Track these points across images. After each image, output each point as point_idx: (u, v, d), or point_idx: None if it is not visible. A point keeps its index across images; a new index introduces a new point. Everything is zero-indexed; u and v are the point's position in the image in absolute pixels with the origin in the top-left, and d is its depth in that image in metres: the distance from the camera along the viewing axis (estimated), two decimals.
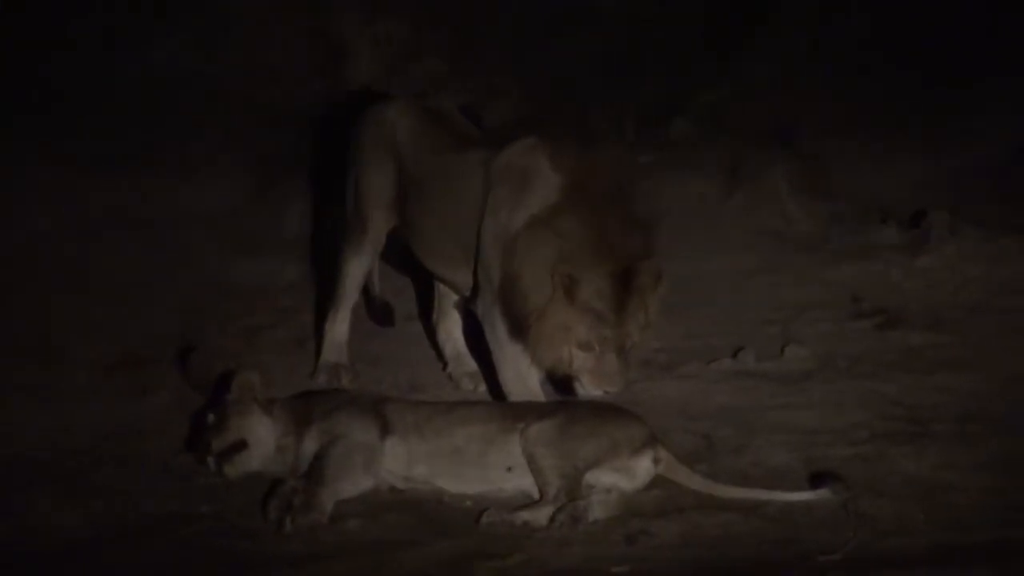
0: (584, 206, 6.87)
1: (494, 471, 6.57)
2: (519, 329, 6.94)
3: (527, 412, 6.69)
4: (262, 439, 6.75)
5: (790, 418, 7.23)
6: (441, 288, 7.92)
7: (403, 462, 6.65)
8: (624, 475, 6.52)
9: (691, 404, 7.46)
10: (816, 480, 6.46)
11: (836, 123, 10.54)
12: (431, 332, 8.14)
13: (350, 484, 6.58)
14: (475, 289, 7.26)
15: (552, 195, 6.95)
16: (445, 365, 8.03)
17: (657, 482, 6.54)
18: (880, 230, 9.45)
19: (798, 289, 8.89)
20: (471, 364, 7.91)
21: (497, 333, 7.12)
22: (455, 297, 7.80)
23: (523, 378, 7.12)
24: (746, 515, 6.29)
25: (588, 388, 6.79)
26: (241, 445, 6.71)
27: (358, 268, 7.91)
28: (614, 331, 6.72)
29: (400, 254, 7.98)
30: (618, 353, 6.74)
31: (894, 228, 9.43)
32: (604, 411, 6.66)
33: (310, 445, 6.70)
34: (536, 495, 6.46)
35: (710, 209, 10.03)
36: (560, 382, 7.01)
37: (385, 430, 6.67)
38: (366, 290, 8.16)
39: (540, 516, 6.32)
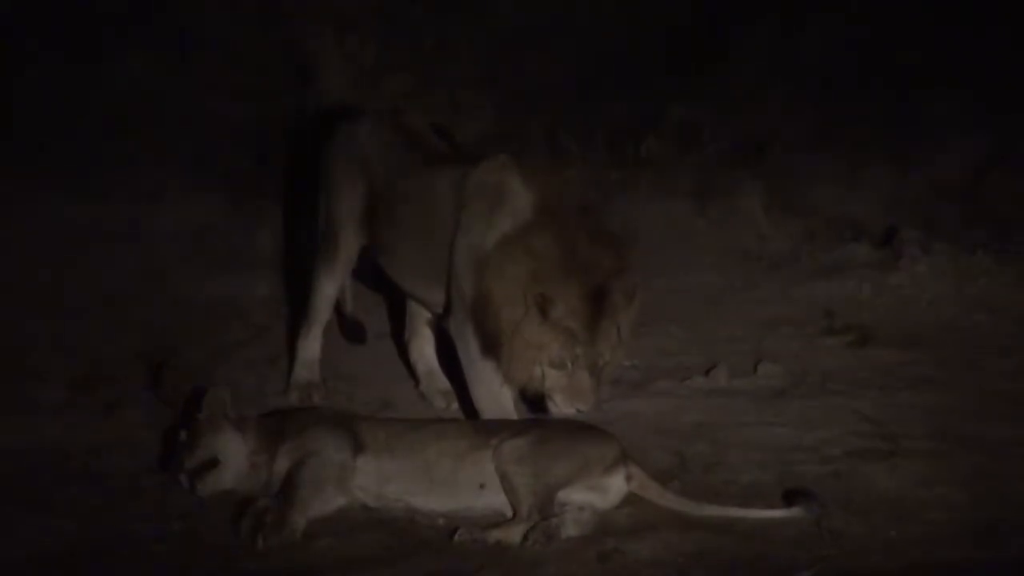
0: (556, 224, 6.90)
1: (467, 489, 6.58)
2: (491, 347, 6.95)
3: (500, 430, 6.70)
4: (234, 457, 6.74)
5: (763, 435, 7.27)
6: (413, 306, 7.93)
7: (375, 480, 6.65)
8: (597, 493, 6.53)
9: (664, 421, 7.47)
10: (789, 497, 6.49)
11: (807, 140, 10.60)
12: (403, 350, 8.14)
13: (322, 502, 6.59)
14: (447, 307, 7.27)
15: (524, 213, 6.98)
16: (417, 383, 8.03)
17: (630, 500, 6.56)
18: (852, 248, 9.51)
19: (771, 306, 8.93)
20: (443, 382, 7.92)
21: (470, 351, 7.13)
22: (427, 315, 7.80)
23: (495, 396, 7.13)
24: (719, 533, 6.31)
25: (561, 406, 6.81)
26: (213, 463, 6.70)
27: (330, 286, 7.92)
28: (586, 349, 6.75)
29: (372, 272, 7.97)
30: (591, 371, 6.77)
31: (866, 245, 9.49)
32: (576, 429, 6.68)
33: (282, 463, 6.70)
34: (509, 513, 6.47)
35: (682, 227, 10.07)
36: (532, 400, 7.03)
37: (357, 448, 6.68)
38: (338, 308, 8.16)
39: (513, 534, 6.33)
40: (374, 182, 7.64)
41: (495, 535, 6.34)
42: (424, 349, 7.99)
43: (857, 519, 6.39)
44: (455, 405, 7.75)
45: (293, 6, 10.70)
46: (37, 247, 9.42)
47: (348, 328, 8.28)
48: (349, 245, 7.81)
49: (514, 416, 7.11)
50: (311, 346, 7.96)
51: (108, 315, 8.84)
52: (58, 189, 9.77)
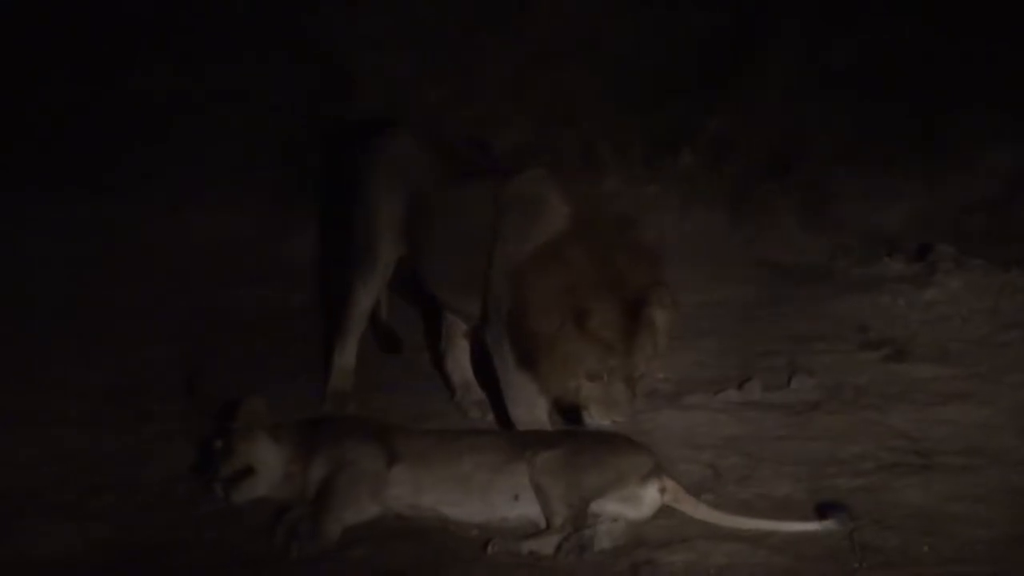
0: (592, 236, 6.95)
1: (500, 500, 6.61)
2: (527, 358, 7.00)
3: (534, 441, 6.74)
4: (269, 465, 6.81)
5: (796, 448, 7.29)
6: (449, 317, 7.98)
7: (409, 490, 6.70)
8: (630, 504, 6.57)
9: (697, 434, 7.49)
10: (821, 511, 6.51)
11: (841, 153, 10.59)
12: (439, 361, 8.18)
13: (356, 512, 6.64)
14: (484, 318, 7.32)
15: (560, 224, 7.04)
16: (453, 394, 8.07)
17: (663, 512, 6.59)
18: (886, 262, 9.50)
19: (804, 320, 8.93)
20: (479, 393, 7.96)
21: (506, 362, 7.18)
22: (463, 326, 7.85)
23: (531, 407, 7.18)
24: (751, 545, 6.33)
25: (596, 417, 6.86)
26: (248, 471, 6.76)
27: (366, 297, 7.98)
28: (623, 361, 6.80)
29: (408, 282, 8.01)
30: (626, 383, 6.81)
31: (900, 261, 9.47)
32: (611, 441, 6.72)
33: (317, 472, 6.76)
34: (543, 524, 6.50)
35: (716, 240, 10.09)
36: (568, 411, 7.07)
37: (392, 458, 6.73)
38: (374, 318, 8.22)
39: (546, 545, 6.37)
40: (412, 193, 7.70)
41: (529, 546, 6.38)
42: (459, 360, 8.03)
43: (890, 533, 6.38)
44: (490, 416, 7.79)
45: (331, 18, 10.74)
46: (68, 255, 9.50)
47: (383, 338, 8.34)
48: (386, 255, 7.87)
49: (548, 427, 7.15)
50: (346, 356, 8.02)
51: (140, 325, 8.90)
52: (90, 197, 9.84)
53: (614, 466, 6.57)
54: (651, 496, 6.58)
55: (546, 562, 6.30)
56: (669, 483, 6.60)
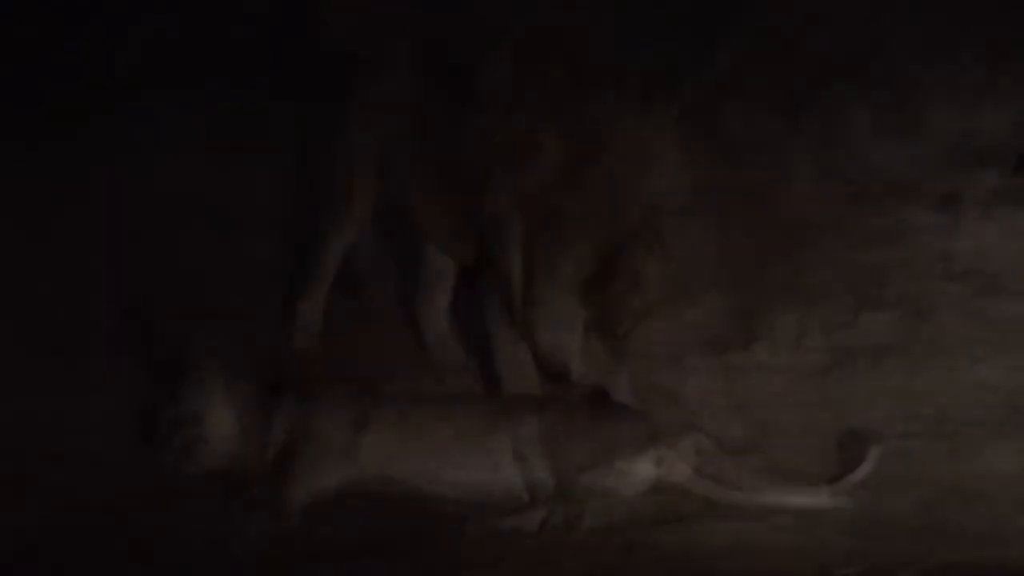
0: (581, 171, 6.95)
1: (480, 471, 6.62)
2: (515, 312, 7.00)
3: (517, 406, 6.76)
4: (225, 429, 6.72)
5: (863, 400, 7.31)
6: (428, 268, 7.87)
7: (381, 459, 6.67)
8: (623, 478, 6.55)
9: (702, 400, 7.48)
10: (836, 484, 6.50)
11: (922, 48, 9.97)
12: (414, 316, 8.08)
13: (322, 484, 6.62)
14: (471, 269, 7.34)
15: (553, 158, 7.04)
16: (429, 352, 8.01)
17: (659, 486, 6.57)
18: (977, 174, 8.98)
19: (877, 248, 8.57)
20: (457, 351, 7.92)
21: (491, 316, 7.19)
22: (442, 279, 7.77)
23: (518, 367, 7.18)
24: (758, 523, 6.35)
25: (582, 378, 6.79)
26: (201, 435, 6.69)
27: (337, 243, 7.86)
28: (596, 313, 6.77)
29: (386, 228, 7.92)
30: (615, 340, 6.76)
31: (994, 174, 8.90)
32: (603, 407, 6.73)
33: (279, 438, 6.72)
34: (526, 499, 6.52)
35: (778, 142, 9.65)
36: (555, 372, 7.01)
37: (362, 423, 6.72)
38: (344, 264, 8.09)
39: (530, 522, 6.39)
40: (395, 127, 7.66)
41: (511, 522, 6.41)
42: (437, 315, 7.94)
43: (913, 509, 6.41)
44: (469, 377, 7.70)
45: None
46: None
47: (344, 278, 8.17)
48: (364, 196, 7.77)
49: (536, 389, 7.11)
50: (313, 309, 7.92)
51: (85, 277, 8.75)
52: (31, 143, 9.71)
53: (606, 435, 6.56)
54: (646, 469, 6.57)
55: (530, 540, 6.32)
56: (666, 454, 6.57)
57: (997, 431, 6.99)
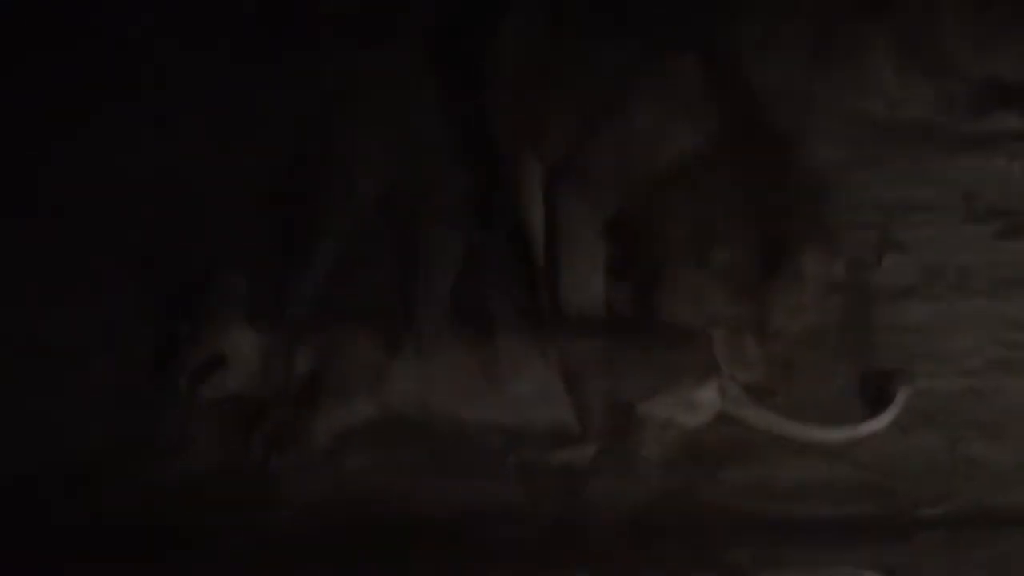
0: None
1: (527, 399, 6.41)
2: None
3: (571, 327, 6.55)
4: (245, 355, 6.59)
5: (885, 342, 6.97)
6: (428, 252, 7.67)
7: (416, 386, 6.49)
8: (684, 408, 6.36)
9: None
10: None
11: None
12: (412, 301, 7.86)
13: (350, 412, 6.46)
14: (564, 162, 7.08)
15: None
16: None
17: (723, 418, 6.38)
18: (1001, 116, 9.02)
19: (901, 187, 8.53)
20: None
21: (579, 225, 6.91)
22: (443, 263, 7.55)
23: (587, 283, 6.85)
24: (830, 460, 6.24)
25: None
26: (220, 362, 6.56)
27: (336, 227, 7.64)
28: (754, 309, 6.66)
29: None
30: (756, 336, 6.62)
31: (1019, 114, 9.01)
32: (664, 331, 6.51)
33: (303, 364, 6.57)
34: (577, 430, 6.33)
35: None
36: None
37: (394, 346, 6.54)
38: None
39: (581, 456, 6.25)
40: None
41: (560, 456, 6.27)
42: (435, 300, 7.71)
43: (999, 445, 6.28)
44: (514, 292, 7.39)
45: None
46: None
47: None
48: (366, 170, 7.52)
49: (602, 312, 6.85)
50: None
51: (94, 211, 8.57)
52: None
53: (666, 362, 6.37)
54: (709, 399, 6.37)
55: (580, 476, 6.20)
56: (730, 384, 6.39)
57: (1021, 369, 6.83)
